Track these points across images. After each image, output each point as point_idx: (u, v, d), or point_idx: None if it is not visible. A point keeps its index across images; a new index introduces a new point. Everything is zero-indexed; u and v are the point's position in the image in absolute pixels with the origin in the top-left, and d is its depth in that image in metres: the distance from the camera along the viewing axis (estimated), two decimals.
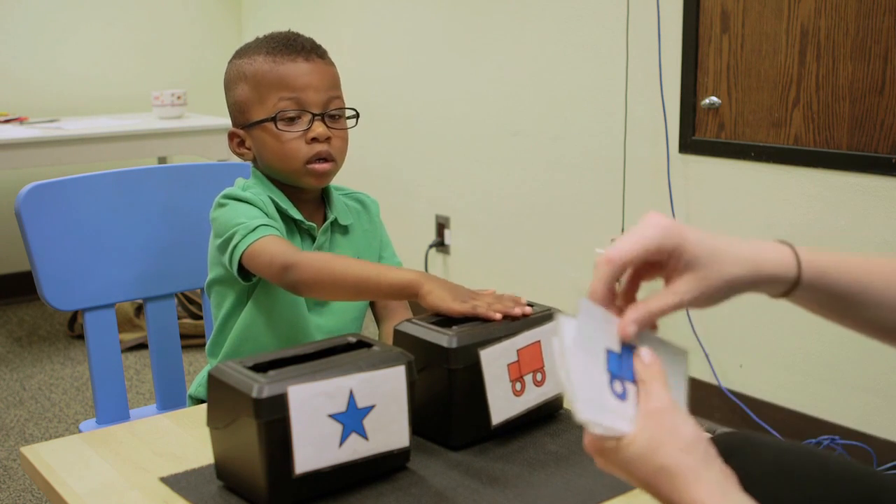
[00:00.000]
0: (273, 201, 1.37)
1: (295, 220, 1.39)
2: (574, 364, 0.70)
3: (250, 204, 1.34)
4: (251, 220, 1.30)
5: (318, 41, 1.45)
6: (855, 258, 0.80)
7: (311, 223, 1.40)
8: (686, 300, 0.75)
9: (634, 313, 0.74)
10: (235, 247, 1.29)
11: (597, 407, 0.70)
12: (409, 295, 1.17)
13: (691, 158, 2.61)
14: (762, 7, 2.37)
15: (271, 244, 1.27)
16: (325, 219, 1.43)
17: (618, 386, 0.72)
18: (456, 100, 3.38)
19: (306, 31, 1.50)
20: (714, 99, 2.51)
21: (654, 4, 2.62)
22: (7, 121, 3.48)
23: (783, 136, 2.38)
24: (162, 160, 3.76)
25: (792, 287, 0.78)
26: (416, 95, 3.55)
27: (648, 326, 0.76)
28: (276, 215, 1.37)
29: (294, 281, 1.24)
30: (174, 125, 3.47)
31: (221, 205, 1.35)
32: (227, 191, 1.37)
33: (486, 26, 3.21)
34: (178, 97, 3.61)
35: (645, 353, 0.74)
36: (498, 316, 1.08)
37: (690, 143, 2.60)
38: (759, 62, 2.40)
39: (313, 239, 1.40)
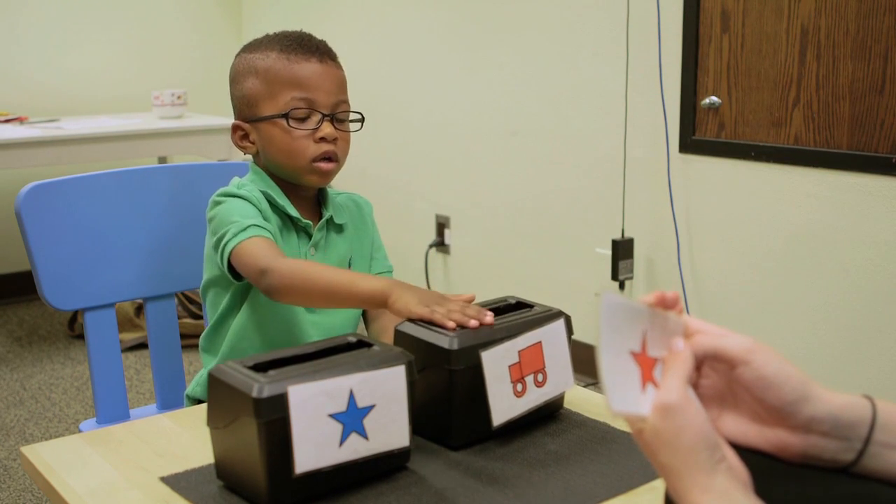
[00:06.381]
0: (270, 198, 1.38)
1: (291, 218, 1.40)
2: (605, 350, 0.71)
3: (245, 200, 1.34)
4: (244, 219, 1.31)
5: None
6: None
7: (307, 221, 1.41)
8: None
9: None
10: (225, 245, 1.30)
11: (623, 397, 0.72)
12: (379, 304, 1.17)
13: (691, 158, 2.61)
14: (762, 7, 2.37)
15: (256, 246, 1.28)
16: (320, 217, 1.44)
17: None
18: (456, 100, 3.38)
19: (307, 31, 1.50)
20: (714, 99, 2.51)
21: (654, 4, 2.62)
22: (7, 121, 3.47)
23: (783, 135, 2.38)
24: (162, 160, 3.76)
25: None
26: (416, 96, 3.55)
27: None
28: (271, 213, 1.37)
29: (268, 286, 1.25)
30: (174, 125, 3.47)
31: (217, 202, 1.36)
32: (223, 189, 1.38)
33: (486, 26, 3.21)
34: (179, 97, 3.61)
35: (677, 343, 0.75)
36: (451, 325, 1.07)
37: (690, 142, 2.60)
38: (759, 62, 2.40)
39: (309, 236, 1.41)
